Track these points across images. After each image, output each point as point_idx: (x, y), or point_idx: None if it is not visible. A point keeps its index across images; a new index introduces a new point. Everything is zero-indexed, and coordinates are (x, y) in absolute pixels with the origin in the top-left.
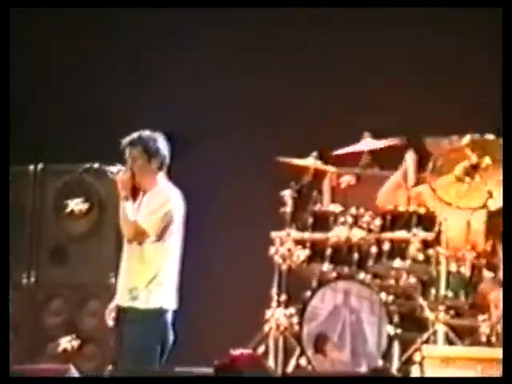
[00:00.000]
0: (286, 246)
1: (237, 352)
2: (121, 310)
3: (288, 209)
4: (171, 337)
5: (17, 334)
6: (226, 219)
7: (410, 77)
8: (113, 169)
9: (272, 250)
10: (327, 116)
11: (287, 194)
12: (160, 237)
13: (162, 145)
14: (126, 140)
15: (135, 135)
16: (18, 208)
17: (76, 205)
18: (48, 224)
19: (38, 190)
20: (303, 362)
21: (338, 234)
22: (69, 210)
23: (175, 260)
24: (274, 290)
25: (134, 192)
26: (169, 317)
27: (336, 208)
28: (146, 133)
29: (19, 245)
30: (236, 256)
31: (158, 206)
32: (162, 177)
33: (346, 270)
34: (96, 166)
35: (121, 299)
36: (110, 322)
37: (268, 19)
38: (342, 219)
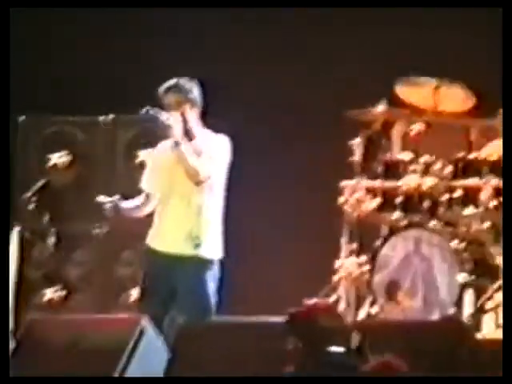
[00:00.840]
0: (357, 195)
1: (311, 301)
2: (172, 258)
3: (357, 158)
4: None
5: (90, 284)
6: (295, 170)
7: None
8: (164, 115)
9: (342, 199)
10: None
11: (357, 143)
12: (216, 183)
13: (199, 92)
14: (164, 87)
15: (173, 82)
16: (90, 159)
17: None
18: (119, 174)
19: (109, 141)
20: (375, 310)
21: (408, 182)
22: (139, 160)
23: (221, 207)
24: (345, 239)
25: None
26: (218, 265)
27: (406, 156)
28: (183, 80)
29: (92, 195)
30: (306, 206)
31: (213, 152)
32: (199, 123)
33: (417, 217)
34: (152, 111)
35: (178, 247)
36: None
37: None
38: (412, 167)
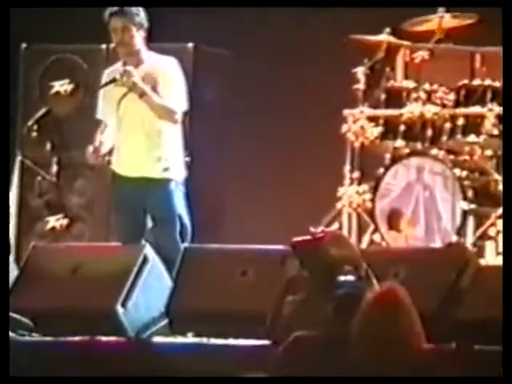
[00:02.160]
0: (359, 124)
1: (318, 230)
2: (142, 182)
3: (361, 86)
4: None
5: (91, 213)
6: (295, 98)
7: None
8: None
9: (345, 127)
10: None
11: (360, 71)
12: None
13: (144, 14)
14: (109, 11)
15: (117, 7)
16: (92, 87)
17: None
18: None
19: None
20: (377, 238)
21: (411, 110)
22: None
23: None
24: (347, 168)
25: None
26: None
27: (409, 84)
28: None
29: (94, 124)
30: (308, 134)
31: (169, 76)
32: (145, 46)
33: (419, 146)
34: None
35: (148, 170)
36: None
37: None
38: (415, 95)
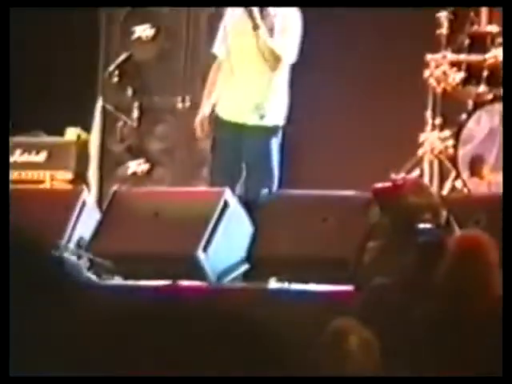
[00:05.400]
0: (441, 69)
1: (399, 176)
2: (238, 127)
3: (444, 31)
4: None
5: (172, 158)
6: (381, 41)
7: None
8: None
9: (427, 72)
10: None
11: (443, 16)
12: (289, 56)
13: None
14: None
15: None
16: (173, 32)
17: None
18: (202, 49)
19: (193, 14)
20: (459, 185)
21: (495, 55)
22: None
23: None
24: (429, 113)
25: None
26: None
27: (493, 28)
28: None
29: (175, 69)
30: (390, 79)
31: (286, 26)
32: None
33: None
34: None
35: (244, 116)
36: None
37: None
38: (499, 40)
